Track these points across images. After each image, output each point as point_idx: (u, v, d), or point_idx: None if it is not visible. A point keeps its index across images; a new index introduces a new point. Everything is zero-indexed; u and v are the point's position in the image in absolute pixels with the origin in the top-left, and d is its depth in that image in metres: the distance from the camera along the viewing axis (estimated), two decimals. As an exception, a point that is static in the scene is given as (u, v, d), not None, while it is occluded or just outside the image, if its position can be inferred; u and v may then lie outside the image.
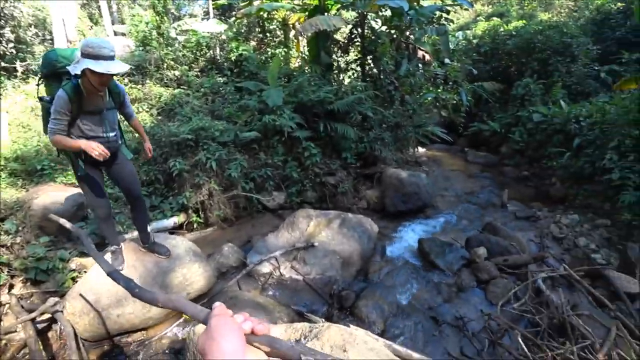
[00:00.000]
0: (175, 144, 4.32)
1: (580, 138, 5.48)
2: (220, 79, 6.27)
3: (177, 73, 6.29)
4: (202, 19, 11.00)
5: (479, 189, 5.99)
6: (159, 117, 5.28)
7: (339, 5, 6.32)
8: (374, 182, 5.41)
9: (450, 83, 7.03)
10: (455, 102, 6.82)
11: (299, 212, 3.91)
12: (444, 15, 6.49)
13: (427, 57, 6.31)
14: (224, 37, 7.23)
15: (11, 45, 7.42)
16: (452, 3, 6.64)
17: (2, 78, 6.56)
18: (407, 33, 6.62)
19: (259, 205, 4.69)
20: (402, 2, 4.97)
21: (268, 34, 7.88)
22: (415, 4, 5.84)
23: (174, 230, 4.13)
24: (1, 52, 7.05)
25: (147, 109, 5.40)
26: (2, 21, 7.35)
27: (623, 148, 4.66)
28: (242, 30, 7.76)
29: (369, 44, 6.20)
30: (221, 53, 7.04)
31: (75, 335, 2.42)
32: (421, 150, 7.51)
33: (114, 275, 1.08)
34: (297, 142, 4.94)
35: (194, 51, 6.83)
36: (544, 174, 6.06)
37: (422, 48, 6.49)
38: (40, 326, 2.61)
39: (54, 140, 2.11)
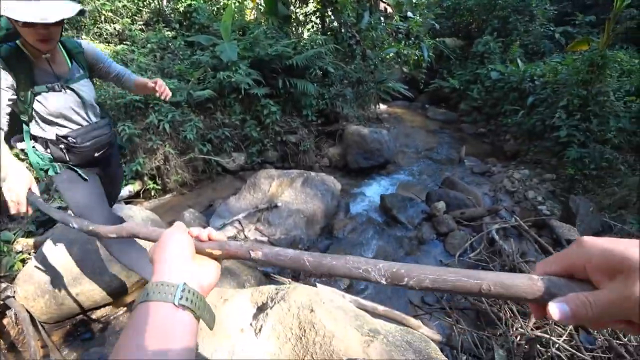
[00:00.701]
0: (122, 106, 3.96)
1: (533, 97, 5.74)
2: (169, 32, 5.70)
3: (117, 27, 5.64)
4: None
5: (438, 145, 6.19)
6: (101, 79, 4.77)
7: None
8: (336, 139, 5.39)
9: (412, 38, 6.89)
10: (417, 57, 6.74)
11: (261, 173, 3.85)
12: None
13: (390, 9, 6.09)
14: (167, -15, 6.49)
15: None
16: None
17: None
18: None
19: (218, 168, 4.55)
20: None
21: (219, -18, 7.18)
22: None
23: (130, 199, 3.92)
24: None
25: (87, 69, 4.86)
26: None
27: (571, 107, 4.96)
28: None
29: (329, -6, 5.85)
30: (168, 4, 6.36)
31: (32, 319, 2.29)
32: (382, 107, 7.51)
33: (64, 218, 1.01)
34: (255, 100, 4.73)
35: (136, 1, 6.11)
36: (500, 130, 6.36)
37: (384, 0, 6.24)
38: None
39: None
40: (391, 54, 6.77)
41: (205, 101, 4.49)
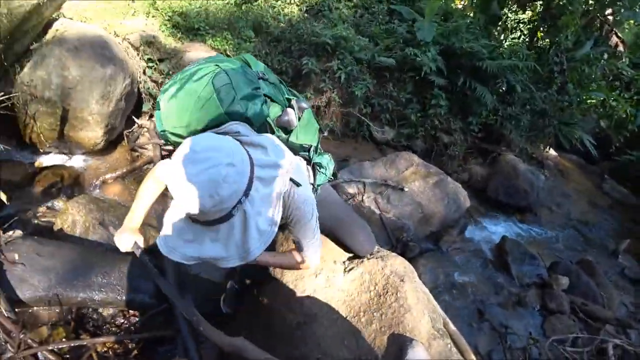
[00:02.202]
0: (314, 44, 4.41)
1: None
2: (377, -6, 5.92)
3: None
4: None
5: (596, 224, 5.16)
6: (306, 15, 5.31)
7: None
8: (487, 159, 5.03)
9: (634, 92, 5.59)
10: (626, 116, 5.49)
11: (403, 154, 3.91)
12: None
13: (621, 47, 5.04)
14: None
15: None
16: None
17: None
18: (609, 10, 5.27)
19: (367, 132, 4.75)
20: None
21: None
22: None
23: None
24: None
25: (298, 3, 5.45)
26: None
27: None
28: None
29: (556, 7, 5.12)
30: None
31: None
32: (552, 152, 6.50)
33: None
34: (428, 87, 4.66)
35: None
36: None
37: (618, 34, 5.18)
38: (163, 154, 3.18)
39: None
40: (595, 99, 5.69)
41: (384, 68, 4.64)
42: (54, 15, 3.01)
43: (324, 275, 1.55)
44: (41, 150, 2.85)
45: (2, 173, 2.37)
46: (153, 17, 4.15)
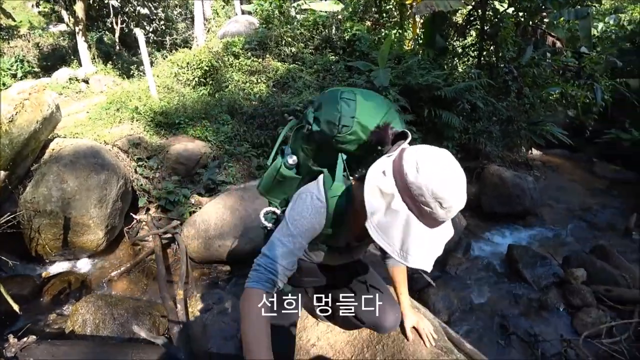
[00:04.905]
0: (285, 113, 4.79)
1: None
2: (333, 57, 6.54)
3: (293, 50, 6.77)
4: (320, -1, 11.36)
5: (599, 207, 5.13)
6: (274, 89, 5.83)
7: (460, -16, 5.89)
8: (473, 176, 5.14)
9: (584, 78, 5.91)
10: (587, 100, 5.76)
11: None
12: (589, -6, 5.50)
13: (558, 44, 5.47)
14: (340, 16, 7.45)
15: (162, 22, 8.91)
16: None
17: (154, 50, 7.98)
18: (538, 16, 5.81)
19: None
20: (535, -23, 4.38)
21: (384, 14, 7.81)
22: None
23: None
24: (156, 28, 8.54)
25: (265, 81, 6.01)
26: (157, 2, 8.86)
27: None
28: (358, 10, 7.85)
29: (490, 27, 5.67)
30: (336, 32, 7.29)
31: (186, 253, 3.05)
32: (536, 152, 6.69)
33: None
34: (399, 125, 4.95)
35: (311, 29, 7.22)
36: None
37: (552, 34, 5.65)
38: (163, 242, 3.35)
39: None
40: (554, 94, 6.00)
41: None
42: (49, 137, 3.40)
43: (324, 322, 1.62)
44: (47, 261, 3.04)
45: (11, 287, 2.50)
46: (137, 120, 4.61)
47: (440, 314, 2.82)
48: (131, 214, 3.66)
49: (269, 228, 1.24)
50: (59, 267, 3.07)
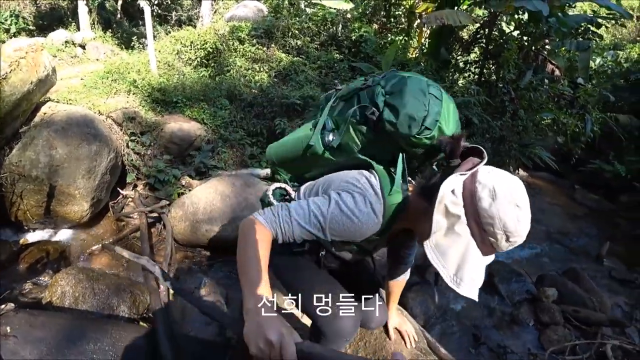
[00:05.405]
0: (284, 105, 4.78)
1: None
2: (337, 55, 6.54)
3: (299, 42, 6.74)
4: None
5: (576, 232, 5.37)
6: (275, 80, 5.81)
7: (472, 1, 5.97)
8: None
9: (577, 108, 6.13)
10: (577, 129, 5.98)
11: None
12: (592, 28, 5.65)
13: (557, 72, 5.63)
14: (348, 15, 7.45)
15: (168, -5, 8.64)
16: (606, 15, 5.74)
17: (156, 24, 7.77)
18: (541, 42, 5.95)
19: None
20: (542, 5, 4.47)
21: (392, 20, 7.85)
22: (558, 11, 5.19)
23: (265, 179, 4.64)
24: (161, 2, 8.31)
25: (267, 70, 5.98)
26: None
27: None
28: (367, 12, 7.86)
29: (494, 47, 5.78)
30: (342, 31, 7.29)
31: (172, 234, 3.02)
32: (522, 173, 6.88)
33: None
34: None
35: (318, 25, 7.20)
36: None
37: (553, 62, 5.80)
38: (149, 221, 3.31)
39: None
40: (546, 119, 6.18)
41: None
42: (42, 100, 3.29)
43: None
44: (26, 227, 2.95)
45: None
46: (134, 94, 4.51)
47: (417, 318, 2.89)
48: (118, 188, 3.59)
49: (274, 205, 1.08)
50: (38, 235, 2.99)
